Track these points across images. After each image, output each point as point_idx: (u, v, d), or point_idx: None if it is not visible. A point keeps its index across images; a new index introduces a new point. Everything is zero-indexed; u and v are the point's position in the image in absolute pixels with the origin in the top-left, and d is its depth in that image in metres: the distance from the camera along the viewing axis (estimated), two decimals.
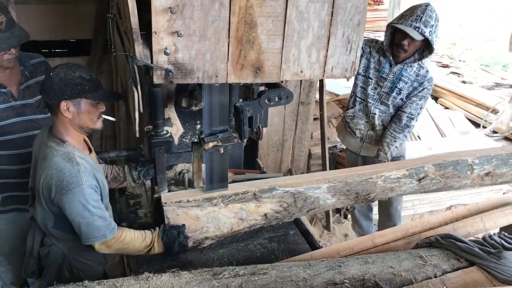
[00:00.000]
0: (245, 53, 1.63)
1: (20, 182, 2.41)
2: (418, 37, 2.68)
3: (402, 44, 2.76)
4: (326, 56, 1.73)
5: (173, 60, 1.57)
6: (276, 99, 2.01)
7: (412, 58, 2.86)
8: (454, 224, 2.13)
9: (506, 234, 1.89)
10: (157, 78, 1.58)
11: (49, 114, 2.38)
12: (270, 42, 1.64)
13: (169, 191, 2.28)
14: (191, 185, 2.40)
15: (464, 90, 7.06)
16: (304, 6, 1.63)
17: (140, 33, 1.53)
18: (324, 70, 1.75)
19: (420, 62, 2.88)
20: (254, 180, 2.29)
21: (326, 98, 3.88)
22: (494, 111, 6.48)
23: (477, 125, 6.39)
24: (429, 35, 2.67)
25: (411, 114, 2.91)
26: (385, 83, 2.94)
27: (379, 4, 11.18)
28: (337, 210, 4.28)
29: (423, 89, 2.88)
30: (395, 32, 2.83)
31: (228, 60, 1.63)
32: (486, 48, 11.14)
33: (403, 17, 2.74)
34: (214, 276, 1.50)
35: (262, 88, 2.09)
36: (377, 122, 3.04)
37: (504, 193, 4.39)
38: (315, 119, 4.10)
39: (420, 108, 2.93)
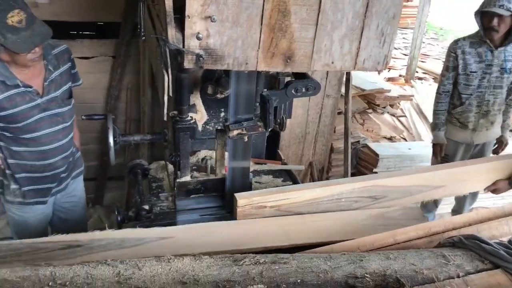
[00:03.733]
0: (277, 41, 1.62)
1: (44, 176, 2.44)
2: (505, 13, 2.89)
3: (492, 26, 2.98)
4: (359, 48, 1.71)
5: (205, 45, 1.57)
6: (303, 90, 1.99)
7: (510, 38, 3.08)
8: (478, 226, 2.09)
9: None
10: (188, 63, 1.58)
11: (71, 105, 2.42)
12: (303, 31, 1.62)
13: (191, 177, 2.30)
14: (213, 171, 2.41)
15: None
16: None
17: (174, 16, 1.53)
18: (356, 62, 1.73)
19: None
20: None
21: (351, 92, 3.85)
22: None
23: None
24: None
25: None
26: (493, 68, 3.18)
27: (408, 1, 11.00)
28: None
29: None
30: (482, 19, 3.05)
31: (259, 48, 1.62)
32: None
33: (484, 2, 2.99)
34: (235, 262, 1.50)
35: (288, 79, 2.08)
36: (491, 107, 3.31)
37: None
38: (339, 113, 4.07)
39: None
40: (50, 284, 1.35)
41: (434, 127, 3.48)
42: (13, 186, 2.41)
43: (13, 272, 1.38)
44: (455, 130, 3.47)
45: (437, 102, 3.44)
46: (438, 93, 3.42)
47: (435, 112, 3.46)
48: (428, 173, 2.26)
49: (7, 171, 2.38)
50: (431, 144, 3.57)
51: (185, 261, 1.50)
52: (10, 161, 2.35)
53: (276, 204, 1.97)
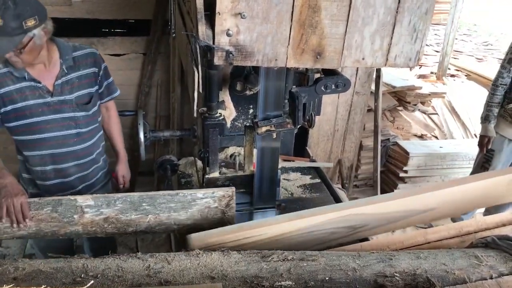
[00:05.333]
0: (307, 37, 1.61)
1: (52, 184, 2.38)
2: None
3: None
4: (390, 44, 1.68)
5: (235, 42, 1.58)
6: (333, 87, 1.98)
7: None
8: None
9: None
10: (218, 59, 1.59)
11: (91, 112, 2.34)
12: (333, 27, 1.61)
13: (219, 173, 2.32)
14: (241, 168, 2.42)
15: None
16: None
17: (204, 13, 1.55)
18: (387, 59, 1.71)
19: None
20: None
21: (382, 89, 3.80)
22: None
23: None
24: None
25: None
26: None
27: None
28: None
29: None
30: None
31: (288, 44, 1.61)
32: None
33: None
34: (263, 258, 1.50)
35: (317, 76, 2.07)
36: None
37: None
38: (369, 110, 4.02)
39: None
40: (82, 276, 1.38)
41: (485, 119, 3.42)
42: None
43: (47, 263, 1.42)
44: (505, 125, 3.40)
45: (492, 94, 3.37)
46: (494, 85, 3.35)
47: (488, 104, 3.40)
48: (411, 198, 1.95)
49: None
50: (478, 136, 3.54)
51: (213, 256, 1.51)
52: (25, 175, 2.39)
53: (238, 244, 1.67)
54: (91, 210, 1.77)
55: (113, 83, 2.49)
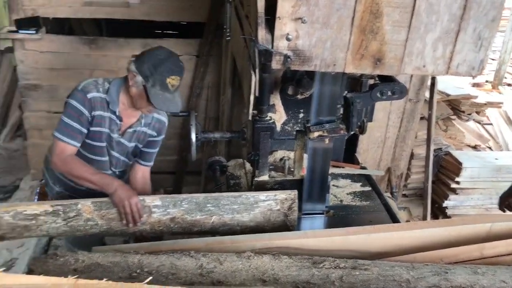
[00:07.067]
0: (367, 43, 1.59)
1: (83, 190, 2.34)
2: None
3: None
4: (453, 51, 1.64)
5: (293, 46, 1.58)
6: (389, 93, 1.95)
7: None
8: None
9: None
10: (276, 63, 1.60)
11: (130, 163, 2.46)
12: (394, 34, 1.58)
13: (269, 177, 2.32)
14: (290, 172, 2.42)
15: None
16: None
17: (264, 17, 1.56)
18: (449, 67, 1.66)
19: None
20: None
21: (436, 97, 3.70)
22: None
23: None
24: None
25: None
26: None
27: None
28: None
29: None
30: None
31: (348, 49, 1.60)
32: None
33: None
34: (314, 265, 1.50)
35: (371, 81, 2.04)
36: None
37: None
38: (421, 118, 3.92)
39: None
40: (138, 271, 1.42)
41: None
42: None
43: (105, 257, 1.47)
44: None
45: None
46: None
47: None
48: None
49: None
50: None
51: (264, 259, 1.52)
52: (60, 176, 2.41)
53: None
54: (159, 210, 1.81)
55: (155, 154, 2.53)
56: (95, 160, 2.30)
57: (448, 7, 1.56)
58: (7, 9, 3.79)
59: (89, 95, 2.15)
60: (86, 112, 2.14)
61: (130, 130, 2.31)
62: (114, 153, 2.35)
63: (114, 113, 2.22)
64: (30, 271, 1.42)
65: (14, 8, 3.72)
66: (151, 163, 2.52)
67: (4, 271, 1.04)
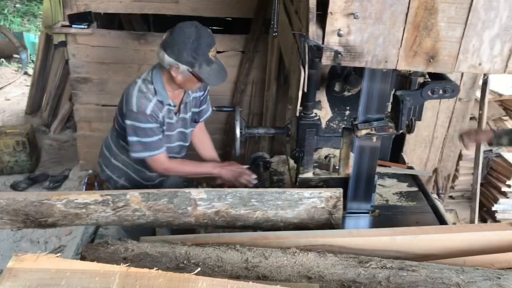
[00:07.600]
0: (421, 39, 1.55)
1: (152, 184, 2.61)
2: None
3: None
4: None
5: (344, 42, 1.56)
6: (440, 92, 1.90)
7: None
8: None
9: None
10: (326, 59, 1.59)
11: (193, 128, 2.63)
12: (449, 30, 1.53)
13: (313, 174, 2.30)
14: (335, 170, 2.40)
15: None
16: None
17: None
18: (507, 65, 1.60)
19: None
20: None
21: (488, 96, 3.56)
22: None
23: None
24: None
25: None
26: None
27: None
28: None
29: None
30: None
31: (400, 46, 1.56)
32: None
33: None
34: (360, 264, 1.48)
35: (420, 79, 1.98)
36: None
37: None
38: (471, 118, 3.79)
39: None
40: (185, 262, 1.44)
41: None
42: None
43: (153, 247, 1.50)
44: None
45: None
46: None
47: None
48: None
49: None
50: None
51: (309, 256, 1.51)
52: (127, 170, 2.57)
53: None
54: (204, 203, 1.84)
55: (209, 107, 2.72)
56: (173, 146, 2.49)
57: (508, 2, 1.50)
58: (62, 4, 3.93)
59: (148, 111, 2.23)
60: (154, 125, 2.28)
61: (182, 105, 2.45)
62: (180, 129, 2.51)
63: (169, 104, 2.34)
64: (82, 258, 1.47)
65: (68, 3, 3.86)
66: (207, 116, 2.71)
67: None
